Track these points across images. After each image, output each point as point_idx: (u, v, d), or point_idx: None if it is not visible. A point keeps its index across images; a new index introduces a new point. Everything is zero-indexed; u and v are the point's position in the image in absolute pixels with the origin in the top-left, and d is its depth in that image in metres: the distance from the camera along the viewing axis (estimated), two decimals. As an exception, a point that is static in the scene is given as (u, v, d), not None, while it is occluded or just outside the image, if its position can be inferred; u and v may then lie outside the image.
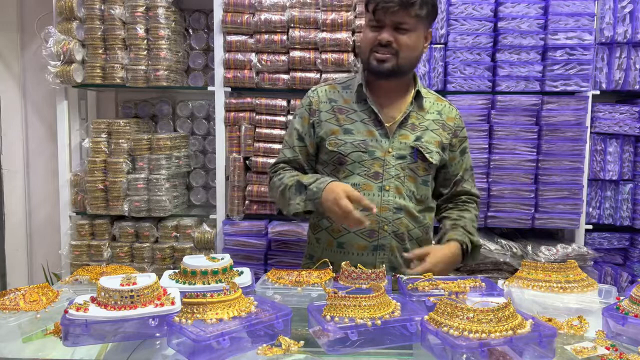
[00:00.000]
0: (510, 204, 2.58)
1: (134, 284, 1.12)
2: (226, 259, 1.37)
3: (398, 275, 1.48)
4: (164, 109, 3.04)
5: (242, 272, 1.38)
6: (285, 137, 1.84)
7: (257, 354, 1.01)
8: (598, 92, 2.60)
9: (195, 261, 1.34)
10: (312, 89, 1.82)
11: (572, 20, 2.53)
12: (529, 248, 2.54)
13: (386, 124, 1.69)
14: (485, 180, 2.58)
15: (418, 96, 1.74)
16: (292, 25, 2.63)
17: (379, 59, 1.62)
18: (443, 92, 2.63)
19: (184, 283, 1.29)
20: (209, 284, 1.29)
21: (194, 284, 1.29)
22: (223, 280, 1.30)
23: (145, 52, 2.72)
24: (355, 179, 1.67)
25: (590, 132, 2.62)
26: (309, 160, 1.78)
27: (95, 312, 1.06)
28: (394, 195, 1.67)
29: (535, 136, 2.56)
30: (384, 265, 1.53)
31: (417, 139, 1.70)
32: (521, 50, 2.56)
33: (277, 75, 2.67)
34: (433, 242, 1.85)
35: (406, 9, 1.57)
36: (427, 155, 1.69)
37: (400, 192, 1.68)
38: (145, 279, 1.15)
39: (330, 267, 1.46)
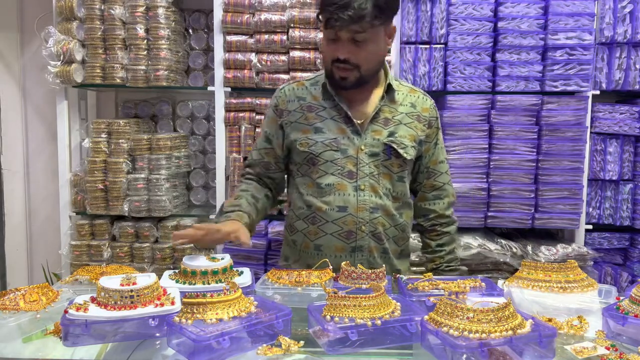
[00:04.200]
0: (510, 204, 2.58)
1: (134, 284, 1.12)
2: (226, 259, 1.36)
3: (398, 275, 1.48)
4: (164, 109, 3.04)
5: (242, 272, 1.38)
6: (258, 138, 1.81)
7: (257, 354, 1.01)
8: (598, 92, 2.60)
9: (195, 261, 1.34)
10: (280, 87, 1.77)
11: (572, 20, 2.53)
12: (529, 248, 2.54)
13: (358, 121, 1.63)
14: (485, 180, 2.58)
15: (389, 89, 1.67)
16: (292, 25, 2.63)
17: (341, 76, 1.58)
18: (443, 92, 2.63)
19: (184, 283, 1.29)
20: (208, 284, 1.29)
21: (194, 284, 1.29)
22: (223, 280, 1.30)
23: (145, 52, 2.72)
24: (330, 178, 1.63)
25: (590, 132, 2.62)
26: (277, 162, 1.75)
27: (95, 312, 1.06)
28: (370, 195, 1.63)
29: (535, 136, 2.56)
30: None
31: (391, 134, 1.64)
32: (521, 50, 2.56)
33: (277, 75, 2.67)
34: (411, 237, 1.83)
35: (359, 22, 1.48)
36: (402, 151, 1.64)
37: (376, 190, 1.63)
38: (145, 279, 1.15)
39: (331, 267, 1.46)
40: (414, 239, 2.57)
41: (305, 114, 1.67)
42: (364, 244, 1.64)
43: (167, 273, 1.37)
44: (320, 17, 1.55)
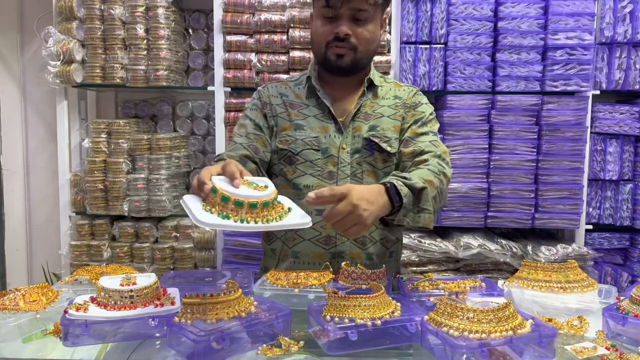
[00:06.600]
0: (510, 204, 2.58)
1: (134, 284, 1.12)
2: (270, 189, 1.09)
3: (398, 275, 1.48)
4: (164, 109, 3.04)
5: (290, 209, 1.12)
6: (235, 130, 1.63)
7: (257, 354, 1.01)
8: (598, 92, 2.60)
9: (229, 184, 1.07)
10: (262, 85, 1.69)
11: (572, 20, 2.53)
12: (529, 248, 2.54)
13: (340, 118, 1.55)
14: (485, 180, 2.58)
15: (371, 85, 1.59)
16: (292, 25, 2.63)
17: (337, 54, 1.49)
18: (443, 92, 2.63)
19: (218, 214, 1.02)
20: (241, 222, 1.01)
21: (227, 218, 1.01)
22: (264, 218, 1.04)
23: (145, 52, 2.72)
24: (308, 179, 1.53)
25: (590, 132, 2.62)
26: (265, 150, 1.57)
27: (95, 312, 1.06)
28: None
29: (535, 136, 2.56)
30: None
31: (372, 128, 1.54)
32: (521, 50, 2.56)
33: (277, 75, 2.67)
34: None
35: None
36: (384, 145, 1.53)
37: None
38: (145, 279, 1.14)
39: (334, 271, 1.46)
40: (414, 239, 2.57)
41: (287, 109, 1.59)
42: (344, 249, 1.53)
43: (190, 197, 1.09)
44: None
